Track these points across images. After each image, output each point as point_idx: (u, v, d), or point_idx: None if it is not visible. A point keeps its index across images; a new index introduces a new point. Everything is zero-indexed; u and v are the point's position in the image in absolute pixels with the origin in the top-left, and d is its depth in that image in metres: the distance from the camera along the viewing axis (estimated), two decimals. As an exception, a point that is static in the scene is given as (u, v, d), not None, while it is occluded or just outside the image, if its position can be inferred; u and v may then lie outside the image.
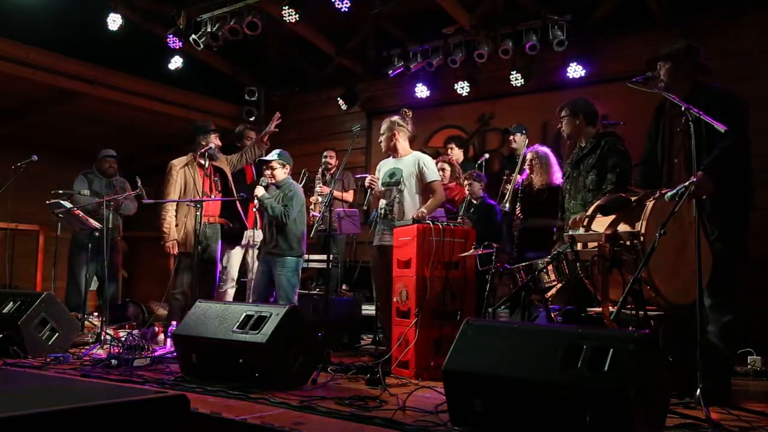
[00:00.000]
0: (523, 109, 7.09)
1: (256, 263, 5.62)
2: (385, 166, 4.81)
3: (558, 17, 6.53)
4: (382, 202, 4.69)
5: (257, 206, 5.19)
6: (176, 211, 5.39)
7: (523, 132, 6.29)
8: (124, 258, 7.85)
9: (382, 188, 4.71)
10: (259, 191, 5.07)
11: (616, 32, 6.67)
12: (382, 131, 4.76)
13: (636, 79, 3.30)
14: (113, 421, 1.88)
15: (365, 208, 5.39)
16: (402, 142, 4.73)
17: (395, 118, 4.75)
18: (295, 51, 8.87)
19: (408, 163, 4.65)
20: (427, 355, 3.99)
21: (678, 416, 2.65)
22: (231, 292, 5.84)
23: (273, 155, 5.18)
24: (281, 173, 5.17)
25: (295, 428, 2.47)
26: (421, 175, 4.59)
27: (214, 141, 5.53)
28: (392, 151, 4.76)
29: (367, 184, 4.71)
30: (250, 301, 5.47)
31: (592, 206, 3.49)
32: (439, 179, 4.79)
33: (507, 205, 5.44)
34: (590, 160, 3.99)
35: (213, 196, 5.49)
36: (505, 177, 5.87)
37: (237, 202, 5.54)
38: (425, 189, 4.62)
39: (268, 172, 5.15)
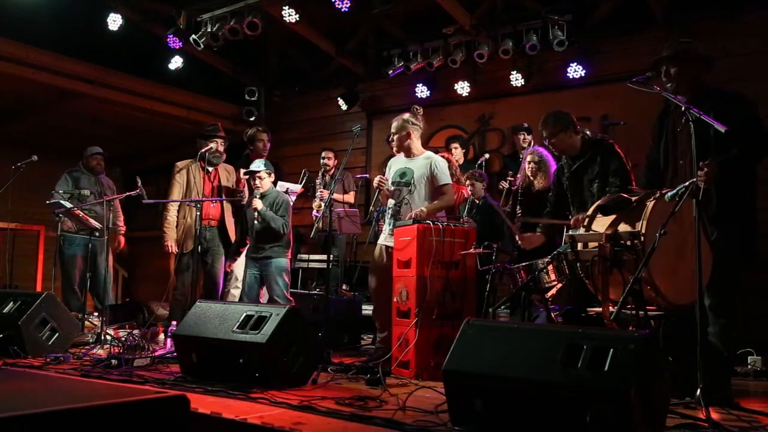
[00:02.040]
0: (523, 109, 7.08)
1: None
2: (395, 165, 4.68)
3: (558, 17, 6.53)
4: (391, 202, 4.59)
5: (256, 218, 5.15)
6: (177, 211, 5.47)
7: (531, 132, 6.33)
8: (123, 258, 7.87)
9: (392, 187, 4.58)
10: (258, 204, 5.08)
11: (616, 32, 6.67)
12: (394, 130, 4.58)
13: (636, 79, 3.28)
14: (113, 421, 1.87)
15: (372, 208, 5.38)
16: (415, 141, 4.59)
17: (407, 116, 4.59)
18: (295, 51, 8.87)
19: (420, 164, 4.53)
20: (427, 355, 3.99)
21: (678, 416, 2.65)
22: (236, 293, 5.85)
23: (260, 165, 5.20)
24: (268, 182, 5.25)
25: (295, 428, 2.47)
26: (432, 178, 4.47)
27: (214, 145, 5.54)
28: (405, 151, 4.62)
29: (375, 184, 4.60)
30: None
31: (592, 206, 3.49)
32: (451, 182, 4.63)
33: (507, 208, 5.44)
34: (593, 169, 3.93)
35: (214, 201, 5.52)
36: (510, 179, 5.83)
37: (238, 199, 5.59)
38: (436, 191, 4.49)
39: (256, 182, 5.19)
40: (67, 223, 6.03)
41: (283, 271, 5.16)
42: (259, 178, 5.18)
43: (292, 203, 6.03)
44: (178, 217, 5.47)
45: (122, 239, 6.76)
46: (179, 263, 5.43)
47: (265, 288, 5.22)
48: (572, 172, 4.04)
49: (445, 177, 4.51)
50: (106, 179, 6.68)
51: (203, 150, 5.41)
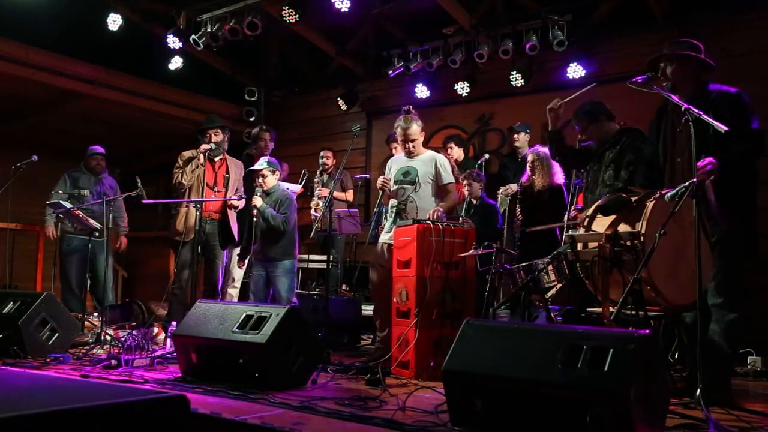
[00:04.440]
0: (523, 109, 7.08)
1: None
2: (396, 164, 4.70)
3: (558, 17, 6.53)
4: (393, 201, 4.60)
5: (256, 216, 5.15)
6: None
7: (527, 131, 6.32)
8: (123, 258, 7.85)
9: (395, 187, 4.59)
10: (258, 201, 5.07)
11: (616, 32, 6.67)
12: (413, 135, 4.53)
13: (636, 79, 3.28)
14: (113, 422, 1.87)
15: (375, 209, 5.38)
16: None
17: (416, 117, 4.58)
18: (295, 51, 8.87)
19: (424, 162, 4.57)
20: (427, 355, 3.98)
21: (678, 416, 2.66)
22: (234, 293, 5.85)
23: (263, 164, 5.18)
24: (272, 180, 5.22)
25: (295, 428, 2.47)
26: (437, 177, 4.53)
27: (213, 138, 5.52)
28: (409, 151, 4.64)
29: (379, 185, 4.61)
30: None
31: (592, 207, 3.49)
32: (454, 182, 4.70)
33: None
34: (610, 154, 3.94)
35: (216, 190, 5.51)
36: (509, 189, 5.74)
37: (234, 207, 5.58)
38: (440, 190, 4.54)
39: (259, 180, 5.15)
40: (67, 223, 6.00)
41: (289, 273, 5.11)
42: (262, 176, 5.14)
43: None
44: (180, 205, 5.47)
45: (124, 240, 6.73)
46: (180, 254, 5.40)
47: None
48: (599, 154, 4.04)
49: (449, 176, 4.58)
50: (108, 179, 6.65)
51: (202, 150, 5.39)
